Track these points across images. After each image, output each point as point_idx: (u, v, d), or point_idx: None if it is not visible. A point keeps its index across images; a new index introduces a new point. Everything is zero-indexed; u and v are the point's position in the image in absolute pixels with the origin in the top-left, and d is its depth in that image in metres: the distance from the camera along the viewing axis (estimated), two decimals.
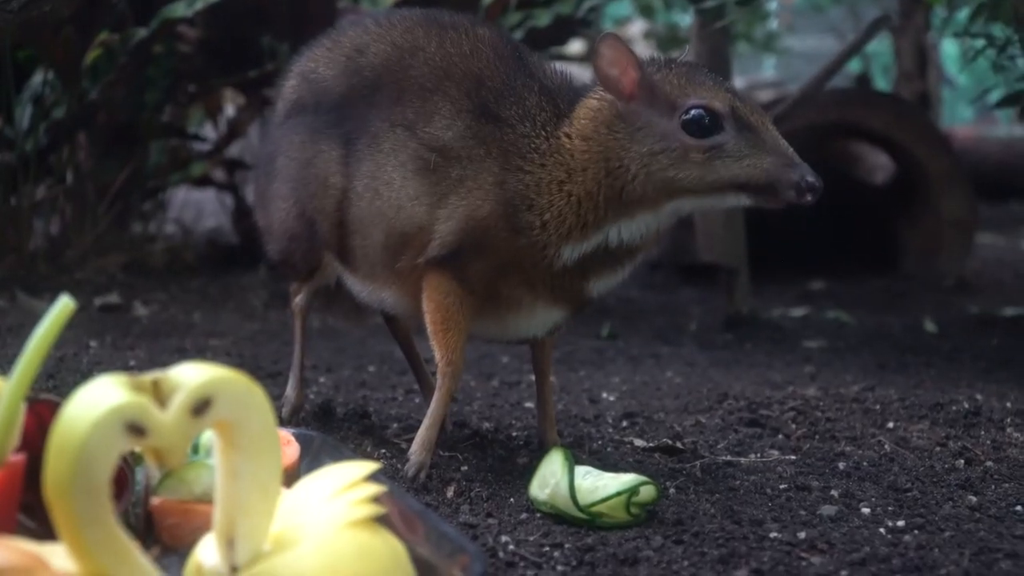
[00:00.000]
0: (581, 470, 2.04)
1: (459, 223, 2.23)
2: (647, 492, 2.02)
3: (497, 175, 2.22)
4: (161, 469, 1.73)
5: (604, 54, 2.15)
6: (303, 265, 2.53)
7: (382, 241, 2.31)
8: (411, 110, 2.29)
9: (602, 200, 2.18)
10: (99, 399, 1.30)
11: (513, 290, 2.27)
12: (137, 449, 1.39)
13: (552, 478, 2.04)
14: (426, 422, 2.27)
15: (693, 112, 2.12)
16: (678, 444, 2.51)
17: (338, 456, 1.89)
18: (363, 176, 2.31)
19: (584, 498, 1.99)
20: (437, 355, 2.28)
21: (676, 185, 2.14)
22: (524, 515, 2.05)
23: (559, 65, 2.41)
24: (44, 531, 1.45)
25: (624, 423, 2.71)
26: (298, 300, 2.61)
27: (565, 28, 4.69)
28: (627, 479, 2.02)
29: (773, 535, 1.94)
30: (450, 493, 2.18)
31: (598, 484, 2.02)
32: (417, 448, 2.25)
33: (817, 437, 2.59)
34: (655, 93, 2.16)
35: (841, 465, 2.37)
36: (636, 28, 9.40)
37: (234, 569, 1.39)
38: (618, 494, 1.99)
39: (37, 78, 4.43)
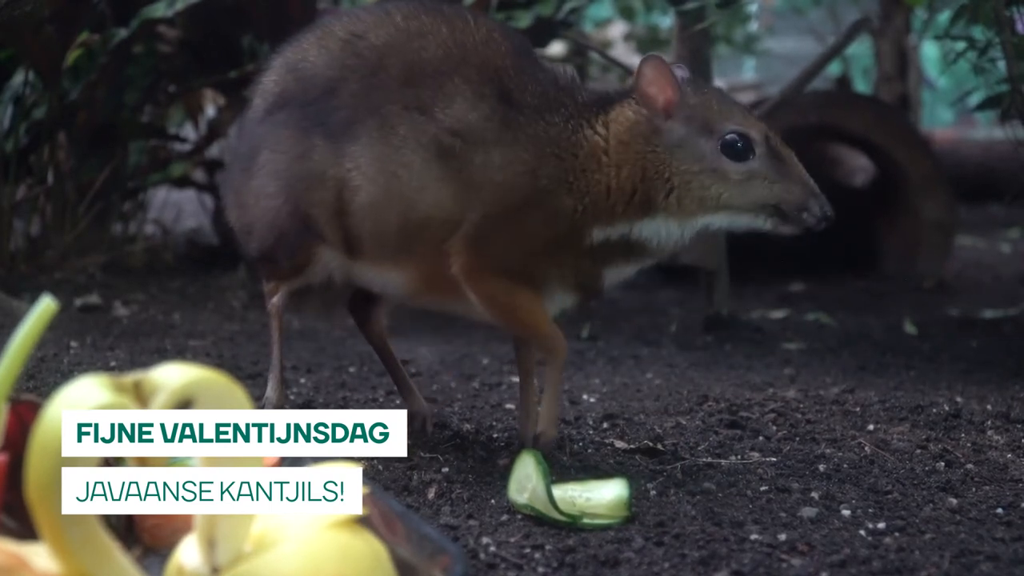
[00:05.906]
0: (558, 491, 2.05)
1: (491, 210, 2.27)
2: (622, 493, 2.05)
3: (529, 163, 2.27)
4: None
5: (646, 74, 2.25)
6: (288, 263, 2.48)
7: (400, 223, 2.31)
8: (426, 92, 2.30)
9: (636, 200, 2.28)
10: (81, 399, 1.30)
11: (538, 274, 2.33)
12: None
13: (528, 482, 2.04)
14: (546, 398, 2.38)
15: (730, 137, 2.24)
16: (659, 446, 2.51)
17: (319, 457, 1.89)
18: (373, 160, 2.30)
19: (568, 509, 2.01)
20: (533, 342, 2.41)
21: (716, 203, 2.27)
22: (505, 516, 2.06)
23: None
24: (26, 531, 1.45)
25: (605, 424, 2.71)
26: (275, 300, 2.57)
27: (546, 30, 4.69)
28: (609, 495, 2.04)
29: (753, 537, 1.95)
30: (431, 494, 2.18)
31: (577, 502, 2.04)
32: (545, 425, 2.36)
33: (797, 439, 2.59)
34: (693, 115, 2.26)
35: (821, 467, 2.38)
36: (617, 30, 9.40)
37: (215, 570, 1.38)
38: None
39: (17, 78, 4.41)
